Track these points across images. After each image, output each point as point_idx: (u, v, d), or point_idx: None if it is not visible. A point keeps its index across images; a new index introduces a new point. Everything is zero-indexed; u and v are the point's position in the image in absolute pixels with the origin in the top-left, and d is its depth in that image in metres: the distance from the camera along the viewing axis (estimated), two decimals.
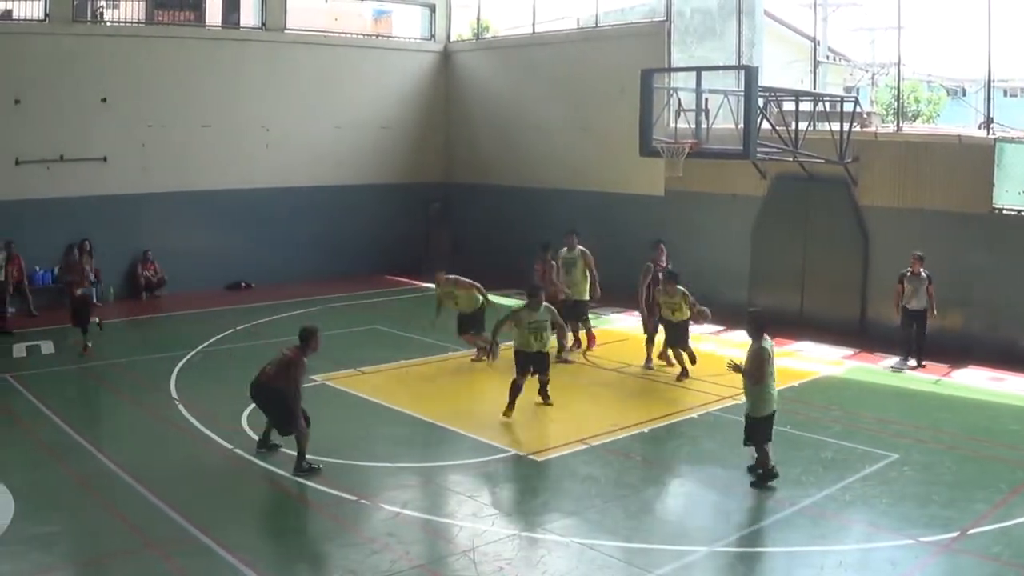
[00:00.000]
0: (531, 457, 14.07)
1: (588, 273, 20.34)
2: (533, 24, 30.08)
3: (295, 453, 13.34)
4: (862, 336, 21.43)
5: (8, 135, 24.64)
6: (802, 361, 19.86)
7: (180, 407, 16.58)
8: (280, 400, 13.25)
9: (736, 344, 20.84)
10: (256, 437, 14.53)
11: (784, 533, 11.42)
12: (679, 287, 18.20)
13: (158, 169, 26.90)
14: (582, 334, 20.60)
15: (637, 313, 18.65)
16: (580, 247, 20.45)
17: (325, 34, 30.69)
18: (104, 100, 25.98)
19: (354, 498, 12.45)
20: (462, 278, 19.46)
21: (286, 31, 29.14)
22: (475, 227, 31.04)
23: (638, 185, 25.81)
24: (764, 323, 13.33)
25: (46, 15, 25.42)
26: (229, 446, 14.43)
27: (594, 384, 17.41)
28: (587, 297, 20.51)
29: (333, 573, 10.73)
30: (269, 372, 13.43)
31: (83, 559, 11.16)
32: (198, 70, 27.49)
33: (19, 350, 20.72)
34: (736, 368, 13.04)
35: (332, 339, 20.99)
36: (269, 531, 11.54)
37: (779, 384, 17.21)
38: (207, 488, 13.00)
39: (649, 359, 19.33)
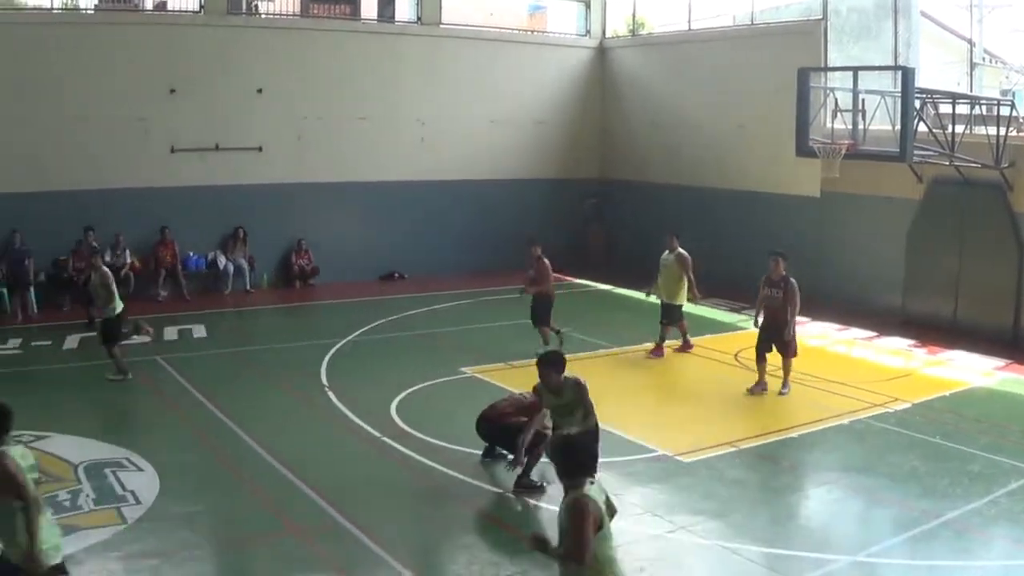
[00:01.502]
0: (678, 458, 14.03)
1: (685, 277, 19.84)
2: (688, 20, 29.95)
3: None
4: (1015, 346, 20.76)
5: (164, 124, 25.38)
6: (954, 370, 19.40)
7: (330, 394, 16.99)
8: (510, 435, 12.65)
9: (889, 351, 20.61)
10: (404, 426, 14.96)
11: (928, 545, 11.29)
12: (571, 378, 12.10)
13: (313, 160, 27.46)
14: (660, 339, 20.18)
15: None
16: (680, 250, 19.97)
17: (480, 29, 30.91)
18: (260, 91, 26.54)
19: (498, 491, 12.65)
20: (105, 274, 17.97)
21: (441, 26, 29.52)
22: (629, 224, 30.97)
23: (793, 185, 25.47)
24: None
25: (201, 7, 26.13)
26: (377, 434, 14.74)
27: (744, 387, 17.31)
28: (679, 301, 20.01)
29: (473, 565, 10.83)
30: (501, 408, 13.30)
31: (226, 539, 11.50)
32: (353, 63, 27.96)
33: (171, 333, 21.38)
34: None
35: (483, 332, 21.53)
36: (411, 519, 11.73)
37: (930, 394, 17.14)
38: (353, 475, 13.29)
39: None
